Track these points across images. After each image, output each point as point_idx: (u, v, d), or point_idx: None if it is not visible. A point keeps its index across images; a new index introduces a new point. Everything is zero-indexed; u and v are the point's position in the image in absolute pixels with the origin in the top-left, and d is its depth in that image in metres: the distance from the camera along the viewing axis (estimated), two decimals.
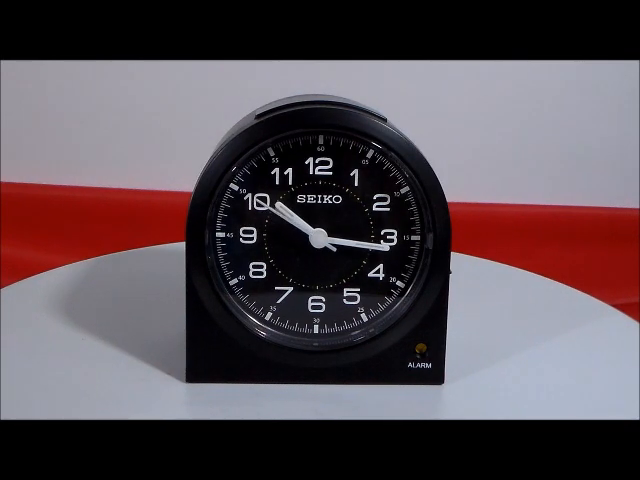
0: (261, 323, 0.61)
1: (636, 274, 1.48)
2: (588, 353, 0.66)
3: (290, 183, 0.59)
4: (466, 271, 0.85)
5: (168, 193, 1.47)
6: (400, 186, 0.60)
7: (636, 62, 1.45)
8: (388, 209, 0.60)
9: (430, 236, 0.60)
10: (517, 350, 0.66)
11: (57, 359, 0.65)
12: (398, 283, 0.61)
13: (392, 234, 0.61)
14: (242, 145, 0.58)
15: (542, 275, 0.83)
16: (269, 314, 0.61)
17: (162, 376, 0.62)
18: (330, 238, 0.60)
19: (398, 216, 0.60)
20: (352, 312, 0.62)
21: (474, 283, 0.81)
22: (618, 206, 1.53)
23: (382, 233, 0.61)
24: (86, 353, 0.66)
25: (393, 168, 0.59)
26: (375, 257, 0.61)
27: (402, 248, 0.61)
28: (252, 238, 0.60)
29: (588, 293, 0.78)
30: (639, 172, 1.52)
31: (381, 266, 0.61)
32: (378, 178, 0.60)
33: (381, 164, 0.59)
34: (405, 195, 0.60)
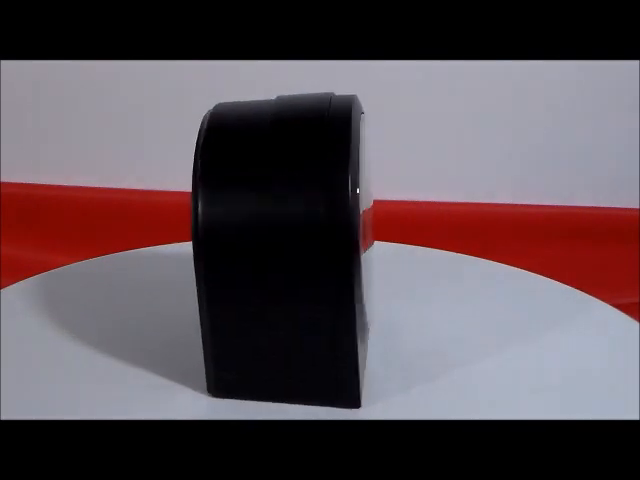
0: None
1: (636, 274, 1.48)
2: (588, 353, 0.66)
3: None
4: (467, 271, 0.85)
5: (168, 193, 1.47)
6: None
7: (636, 62, 1.45)
8: None
9: None
10: (516, 349, 0.66)
11: (57, 359, 0.65)
12: None
13: None
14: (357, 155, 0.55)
15: (542, 275, 0.83)
16: None
17: (168, 377, 0.62)
18: None
19: None
20: None
21: (474, 283, 0.81)
22: (618, 206, 1.53)
23: None
24: (86, 354, 0.66)
25: None
26: None
27: None
28: None
29: (588, 293, 0.78)
30: (639, 172, 1.52)
31: None
32: None
33: None
34: None
